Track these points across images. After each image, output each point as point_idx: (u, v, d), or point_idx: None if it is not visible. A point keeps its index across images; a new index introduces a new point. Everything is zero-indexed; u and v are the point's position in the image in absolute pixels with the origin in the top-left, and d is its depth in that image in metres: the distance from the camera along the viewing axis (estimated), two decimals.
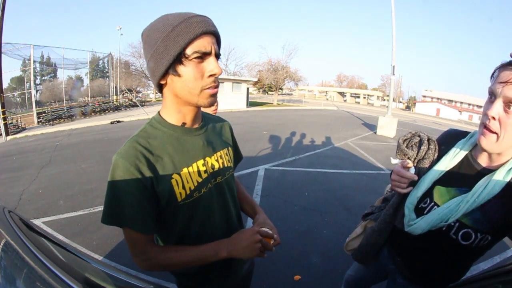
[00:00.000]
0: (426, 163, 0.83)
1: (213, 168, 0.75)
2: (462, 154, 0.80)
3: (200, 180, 0.71)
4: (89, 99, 20.09)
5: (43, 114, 12.57)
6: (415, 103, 44.32)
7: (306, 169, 4.85)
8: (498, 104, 0.65)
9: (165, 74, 0.62)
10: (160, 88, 0.67)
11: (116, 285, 0.93)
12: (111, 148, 6.31)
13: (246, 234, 0.71)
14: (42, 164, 5.17)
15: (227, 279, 0.85)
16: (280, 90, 29.44)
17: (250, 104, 20.85)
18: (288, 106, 23.31)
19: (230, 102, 17.13)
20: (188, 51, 0.59)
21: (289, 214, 3.14)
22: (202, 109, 0.83)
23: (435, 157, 0.84)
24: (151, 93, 34.87)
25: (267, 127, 9.76)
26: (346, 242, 1.16)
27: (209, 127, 0.80)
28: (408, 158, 0.84)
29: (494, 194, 0.69)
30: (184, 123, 0.71)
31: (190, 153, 0.71)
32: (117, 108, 16.92)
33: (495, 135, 0.67)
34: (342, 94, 55.97)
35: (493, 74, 0.68)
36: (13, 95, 22.66)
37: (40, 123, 11.93)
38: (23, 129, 10.51)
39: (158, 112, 0.72)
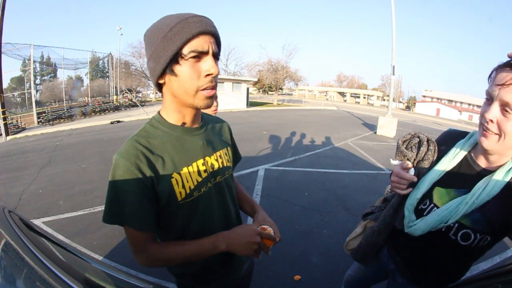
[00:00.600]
0: (425, 164, 0.83)
1: (212, 168, 0.76)
2: (462, 154, 0.81)
3: (200, 179, 0.72)
4: (89, 99, 20.10)
5: (43, 114, 12.57)
6: (415, 103, 44.32)
7: (306, 169, 4.85)
8: (495, 107, 0.65)
9: (163, 74, 0.63)
10: (159, 87, 0.68)
11: (116, 285, 0.93)
12: (111, 148, 6.31)
13: (247, 231, 0.71)
14: (42, 164, 5.17)
15: (227, 279, 0.85)
16: (280, 90, 29.44)
17: (250, 104, 20.85)
18: (288, 106, 23.31)
19: (230, 102, 17.13)
20: (185, 50, 0.59)
21: (289, 214, 3.14)
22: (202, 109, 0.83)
23: (435, 158, 0.84)
24: (151, 93, 34.88)
25: (267, 127, 9.76)
26: (346, 242, 1.16)
27: (209, 127, 0.81)
28: (408, 159, 0.84)
29: (493, 195, 0.69)
30: (184, 123, 0.72)
31: (190, 152, 0.72)
32: (117, 108, 16.93)
33: (496, 136, 0.67)
34: (342, 94, 55.97)
35: (490, 75, 0.68)
36: (13, 95, 22.68)
37: (40, 123, 11.94)
38: (23, 129, 10.51)
39: (158, 111, 0.73)
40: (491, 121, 0.66)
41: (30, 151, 6.51)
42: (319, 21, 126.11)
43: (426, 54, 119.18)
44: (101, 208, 3.25)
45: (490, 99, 0.67)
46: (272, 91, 30.99)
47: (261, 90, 39.84)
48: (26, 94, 18.05)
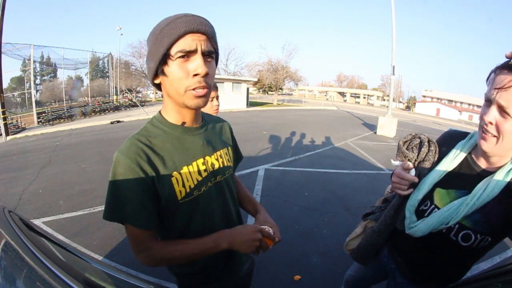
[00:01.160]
0: (426, 165, 0.83)
1: (213, 167, 0.76)
2: (462, 155, 0.81)
3: (200, 178, 0.72)
4: (89, 99, 20.10)
5: (43, 114, 12.58)
6: (415, 103, 44.33)
7: (306, 169, 4.85)
8: (494, 109, 0.66)
9: (156, 74, 0.64)
10: (159, 87, 0.69)
11: (116, 285, 0.93)
12: (111, 148, 6.30)
13: (248, 230, 0.72)
14: (42, 164, 5.17)
15: (228, 279, 0.85)
16: (280, 90, 29.45)
17: (250, 104, 20.85)
18: (288, 106, 23.31)
19: (230, 102, 17.14)
20: (172, 51, 0.60)
21: (289, 214, 3.14)
22: (202, 110, 0.84)
23: (436, 159, 0.84)
24: (151, 93, 34.88)
25: (267, 127, 9.76)
26: (346, 242, 1.17)
27: (209, 127, 0.81)
28: (409, 160, 0.84)
29: (493, 196, 0.69)
30: (184, 122, 0.72)
31: (190, 152, 0.72)
32: (117, 108, 16.93)
33: (495, 138, 0.68)
34: (342, 94, 55.98)
35: (488, 77, 0.68)
36: (13, 95, 22.68)
37: (40, 123, 11.94)
38: (23, 129, 10.51)
39: (159, 111, 0.74)
40: (490, 123, 0.66)
41: (30, 151, 6.52)
42: (319, 21, 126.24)
43: (426, 54, 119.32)
44: (101, 208, 3.25)
45: (489, 102, 0.68)
46: (272, 91, 31.00)
47: (261, 90, 39.85)
48: (26, 94, 18.05)
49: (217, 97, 1.70)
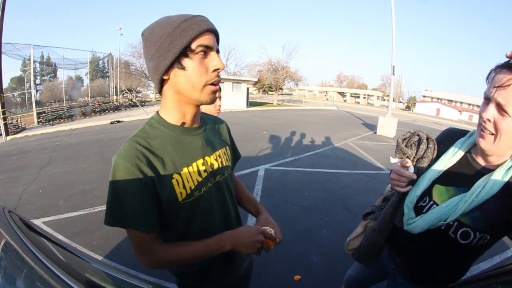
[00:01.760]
0: (425, 162, 0.84)
1: (212, 167, 0.76)
2: (461, 153, 0.81)
3: (200, 179, 0.72)
4: (89, 99, 20.09)
5: (43, 114, 12.57)
6: (415, 103, 44.32)
7: (306, 169, 4.85)
8: (493, 107, 0.66)
9: (169, 69, 0.63)
10: (160, 85, 0.66)
11: (116, 285, 0.93)
12: (111, 148, 6.31)
13: (251, 231, 0.72)
14: (42, 164, 5.17)
15: (227, 278, 0.85)
16: (280, 90, 29.43)
17: (250, 104, 20.84)
18: (288, 106, 23.31)
19: (230, 102, 17.13)
20: (194, 45, 0.61)
21: (289, 214, 3.14)
22: (204, 109, 0.84)
23: (434, 156, 0.85)
24: (151, 93, 34.85)
25: (267, 127, 9.76)
26: (346, 242, 1.16)
27: (208, 127, 0.81)
28: (407, 157, 0.84)
29: (492, 193, 0.69)
30: (183, 123, 0.71)
31: (190, 152, 0.72)
32: (117, 108, 16.93)
33: (493, 136, 0.68)
34: (342, 94, 55.96)
35: (488, 76, 0.69)
36: (13, 95, 22.64)
37: (40, 123, 11.94)
38: (23, 129, 10.51)
39: (157, 112, 0.72)
40: (489, 120, 0.67)
41: (30, 151, 6.52)
42: (319, 21, 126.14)
43: (426, 54, 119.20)
44: (101, 208, 3.25)
45: (487, 100, 0.68)
46: (272, 91, 30.96)
47: (261, 90, 39.78)
48: (26, 94, 18.02)
49: (219, 97, 1.71)
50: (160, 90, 0.68)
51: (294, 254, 2.37)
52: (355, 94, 54.49)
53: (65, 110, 14.10)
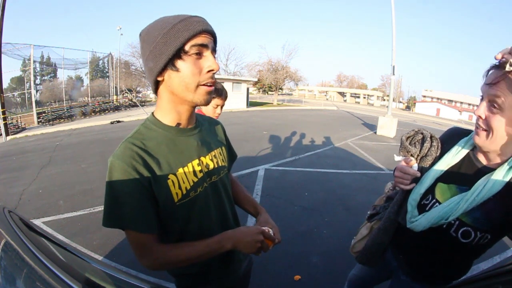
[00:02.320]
0: (428, 160, 0.84)
1: (207, 168, 0.76)
2: (464, 152, 0.81)
3: (196, 179, 0.72)
4: (89, 99, 20.09)
5: (43, 114, 12.57)
6: (415, 103, 44.32)
7: (306, 169, 4.85)
8: (484, 104, 0.70)
9: (163, 70, 0.63)
10: (156, 86, 0.67)
11: (116, 285, 0.93)
12: (111, 148, 6.27)
13: (251, 231, 0.73)
14: (42, 164, 5.17)
15: (227, 278, 0.85)
16: (280, 90, 29.43)
17: (250, 104, 20.84)
18: (288, 106, 23.31)
19: (230, 102, 17.07)
20: (187, 47, 0.61)
21: (289, 214, 3.14)
22: (205, 111, 0.85)
23: (438, 154, 0.85)
24: (151, 93, 34.83)
25: (267, 127, 9.76)
26: (352, 245, 1.14)
27: (203, 128, 0.81)
28: (411, 155, 0.85)
29: (493, 193, 0.69)
30: (178, 124, 0.71)
31: (185, 153, 0.72)
32: (117, 108, 16.93)
33: (485, 132, 0.71)
34: (342, 94, 55.98)
35: (484, 75, 0.72)
36: (13, 95, 22.63)
37: (40, 123, 11.94)
38: (23, 129, 10.51)
39: (152, 113, 0.73)
40: (480, 117, 0.71)
41: (30, 151, 6.52)
42: (319, 21, 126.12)
43: (426, 54, 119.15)
44: (101, 208, 3.24)
45: (482, 98, 0.72)
46: (272, 91, 30.95)
47: (261, 90, 39.76)
48: (26, 94, 18.01)
49: (222, 105, 1.71)
50: (155, 91, 0.68)
51: (294, 254, 2.37)
52: (355, 94, 54.50)
53: (65, 110, 14.10)
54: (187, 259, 0.69)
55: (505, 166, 0.70)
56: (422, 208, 0.84)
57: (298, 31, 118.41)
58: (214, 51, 0.66)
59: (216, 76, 0.70)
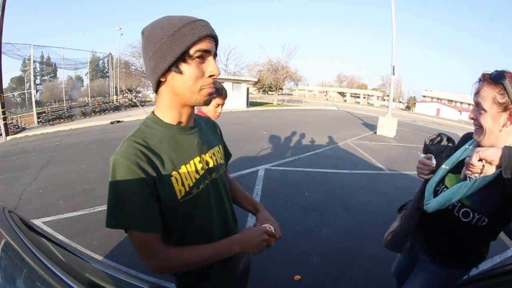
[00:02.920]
0: (444, 156, 1.07)
1: (208, 165, 0.78)
2: (470, 149, 0.99)
3: (197, 176, 0.73)
4: (89, 99, 20.08)
5: (43, 114, 12.56)
6: (415, 103, 44.32)
7: (306, 169, 4.85)
8: (474, 108, 0.92)
9: (166, 72, 0.64)
10: (157, 86, 0.67)
11: (116, 285, 0.93)
12: (111, 148, 6.29)
13: (256, 232, 0.76)
14: (42, 164, 5.17)
15: (227, 275, 0.86)
16: (280, 90, 29.44)
17: (250, 104, 20.85)
18: (288, 106, 23.32)
19: (230, 102, 17.10)
20: (192, 51, 0.62)
21: (289, 214, 3.14)
22: (206, 111, 0.86)
23: (451, 151, 1.06)
24: (151, 93, 34.81)
25: (267, 127, 9.76)
26: (384, 238, 1.26)
27: (201, 127, 0.83)
28: (430, 152, 1.10)
29: (487, 181, 0.82)
30: (180, 122, 0.72)
31: (187, 151, 0.73)
32: (117, 108, 16.92)
33: (480, 130, 0.89)
34: (342, 94, 55.98)
35: (472, 88, 0.92)
36: (13, 95, 22.62)
37: (40, 123, 11.93)
38: (23, 129, 10.51)
39: (152, 112, 0.73)
40: (472, 118, 0.92)
41: (30, 151, 6.52)
42: (319, 21, 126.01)
43: (426, 54, 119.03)
44: (101, 208, 3.26)
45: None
46: (272, 91, 30.94)
47: (261, 90, 39.74)
48: (26, 94, 18.01)
49: (222, 104, 1.71)
50: (156, 90, 0.69)
51: (294, 254, 2.37)
52: (355, 94, 54.51)
53: (65, 110, 14.09)
54: (195, 261, 0.69)
55: None
56: (436, 194, 1.02)
57: (298, 31, 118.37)
58: (215, 55, 0.68)
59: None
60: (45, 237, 0.92)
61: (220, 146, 0.89)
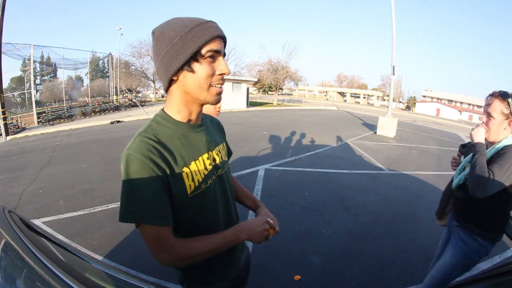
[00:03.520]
0: (468, 153, 1.44)
1: (214, 161, 0.81)
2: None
3: (206, 172, 0.76)
4: (89, 99, 20.06)
5: (43, 114, 12.56)
6: (415, 103, 44.33)
7: (306, 169, 4.85)
8: (485, 116, 1.32)
9: (179, 70, 0.66)
10: (168, 85, 0.70)
11: (116, 285, 0.93)
12: (111, 148, 6.31)
13: (260, 221, 0.80)
14: (42, 164, 5.17)
15: (229, 270, 0.89)
16: (280, 90, 29.43)
17: (250, 104, 20.85)
18: (288, 106, 23.32)
19: (230, 102, 17.13)
20: (203, 50, 0.65)
21: (289, 214, 3.14)
22: (205, 111, 0.87)
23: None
24: (151, 93, 34.81)
25: (267, 127, 9.76)
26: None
27: (207, 125, 0.86)
28: (462, 152, 1.59)
29: (488, 157, 1.26)
30: (190, 120, 0.75)
31: (196, 147, 0.75)
32: (117, 108, 16.91)
33: (489, 130, 1.31)
34: (342, 94, 55.98)
35: (485, 99, 1.33)
36: (13, 95, 22.61)
37: (40, 123, 11.93)
38: (23, 129, 10.51)
39: (162, 109, 0.75)
40: (483, 123, 1.33)
41: (30, 151, 6.52)
42: (320, 21, 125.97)
43: (426, 54, 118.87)
44: (101, 208, 3.26)
45: (484, 111, 1.33)
46: (272, 91, 30.93)
47: (261, 90, 39.72)
48: (26, 94, 17.99)
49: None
50: (167, 89, 0.71)
51: (294, 254, 2.37)
52: (355, 94, 54.50)
53: (65, 110, 14.08)
54: (206, 251, 0.70)
55: (495, 145, 1.29)
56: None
57: (298, 31, 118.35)
58: (224, 55, 0.71)
59: None
60: (45, 237, 0.93)
61: (224, 144, 0.93)
